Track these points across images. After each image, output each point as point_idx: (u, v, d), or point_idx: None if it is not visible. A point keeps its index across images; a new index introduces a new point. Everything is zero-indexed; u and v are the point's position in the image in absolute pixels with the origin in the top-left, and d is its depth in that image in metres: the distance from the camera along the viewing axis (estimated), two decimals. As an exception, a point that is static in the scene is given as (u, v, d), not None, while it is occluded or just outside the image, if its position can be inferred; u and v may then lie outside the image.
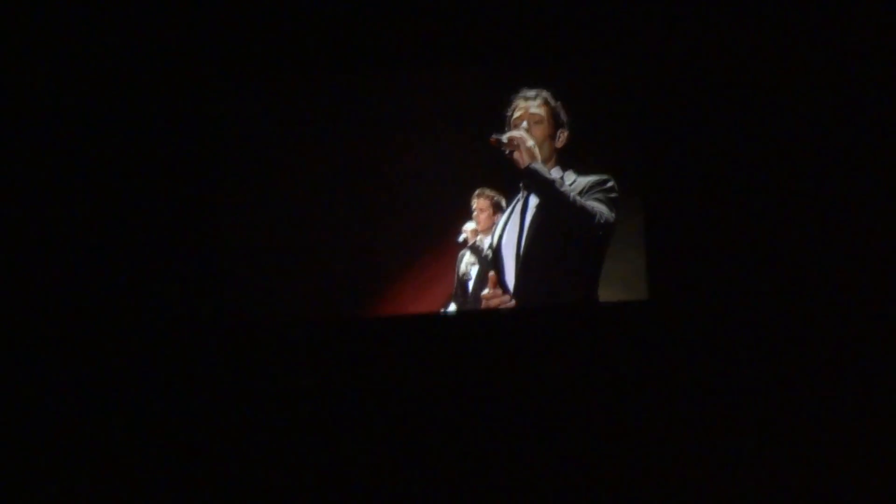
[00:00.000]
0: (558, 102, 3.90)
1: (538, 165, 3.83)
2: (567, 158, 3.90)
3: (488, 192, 4.02)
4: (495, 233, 3.97)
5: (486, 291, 3.94)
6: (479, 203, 4.04)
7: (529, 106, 3.91)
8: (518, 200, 3.94)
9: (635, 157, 3.92)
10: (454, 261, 4.07)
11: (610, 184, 3.81)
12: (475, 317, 4.00)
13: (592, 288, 3.86)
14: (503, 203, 4.02)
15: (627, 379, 3.87)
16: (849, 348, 3.73)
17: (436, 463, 3.93)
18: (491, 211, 4.03)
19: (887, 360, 3.70)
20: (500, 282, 3.92)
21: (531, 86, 3.94)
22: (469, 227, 4.05)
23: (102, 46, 4.00)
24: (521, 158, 3.84)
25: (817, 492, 3.64)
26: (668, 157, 3.88)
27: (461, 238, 4.05)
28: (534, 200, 3.89)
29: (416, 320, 4.04)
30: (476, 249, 4.04)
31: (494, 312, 3.92)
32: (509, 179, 3.96)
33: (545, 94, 3.91)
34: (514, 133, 3.86)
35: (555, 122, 3.90)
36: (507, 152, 3.87)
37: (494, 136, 3.88)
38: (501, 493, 3.84)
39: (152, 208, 4.03)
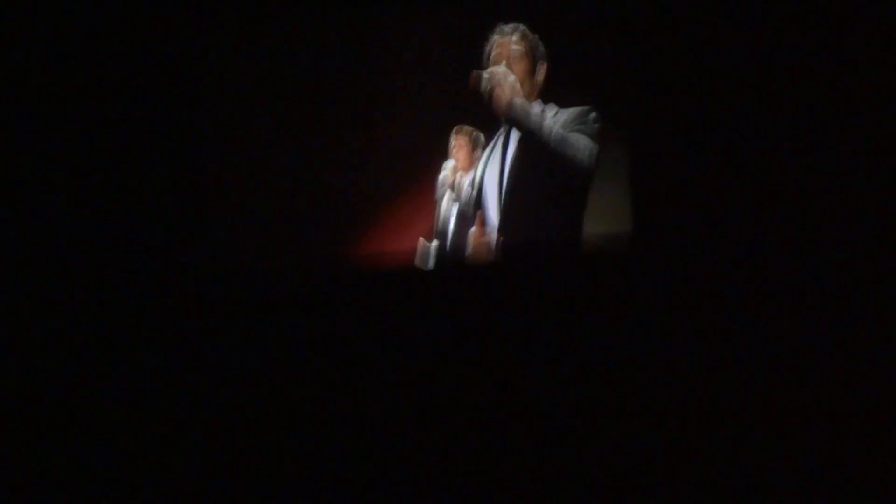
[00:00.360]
0: (535, 35, 3.89)
1: (520, 100, 3.82)
2: (548, 91, 3.90)
3: (466, 128, 4.01)
4: (477, 169, 3.97)
5: (472, 230, 3.94)
6: (457, 140, 4.02)
7: (507, 42, 3.89)
8: (499, 136, 3.94)
9: (617, 86, 3.91)
10: (432, 198, 4.06)
11: (593, 115, 3.82)
12: (459, 265, 4.00)
13: (578, 221, 3.88)
14: (482, 139, 4.01)
15: (614, 318, 3.90)
16: (830, 290, 3.77)
17: (423, 417, 3.98)
18: (470, 147, 4.02)
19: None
20: (485, 217, 3.92)
21: (507, 20, 3.92)
22: (449, 164, 4.04)
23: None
24: (503, 94, 3.83)
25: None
26: (651, 87, 3.87)
27: (441, 175, 4.04)
28: (515, 135, 3.88)
29: (397, 272, 4.05)
30: (456, 187, 4.03)
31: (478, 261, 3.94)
32: (488, 115, 3.95)
33: (522, 27, 3.90)
34: (496, 68, 3.85)
35: (534, 56, 3.88)
36: (488, 88, 3.85)
37: (475, 73, 3.86)
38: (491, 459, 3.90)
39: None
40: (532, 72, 3.88)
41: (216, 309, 4.05)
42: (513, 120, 3.84)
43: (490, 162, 3.94)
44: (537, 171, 3.84)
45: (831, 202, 3.76)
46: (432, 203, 4.07)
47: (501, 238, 3.90)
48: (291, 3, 4.03)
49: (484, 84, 3.84)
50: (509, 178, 3.88)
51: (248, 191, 4.09)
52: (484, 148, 3.99)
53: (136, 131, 4.04)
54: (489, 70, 3.85)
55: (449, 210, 4.05)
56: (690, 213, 3.84)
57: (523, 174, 3.86)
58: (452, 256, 4.02)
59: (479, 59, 3.91)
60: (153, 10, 4.02)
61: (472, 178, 3.98)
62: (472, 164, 4.01)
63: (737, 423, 3.76)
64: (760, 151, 3.81)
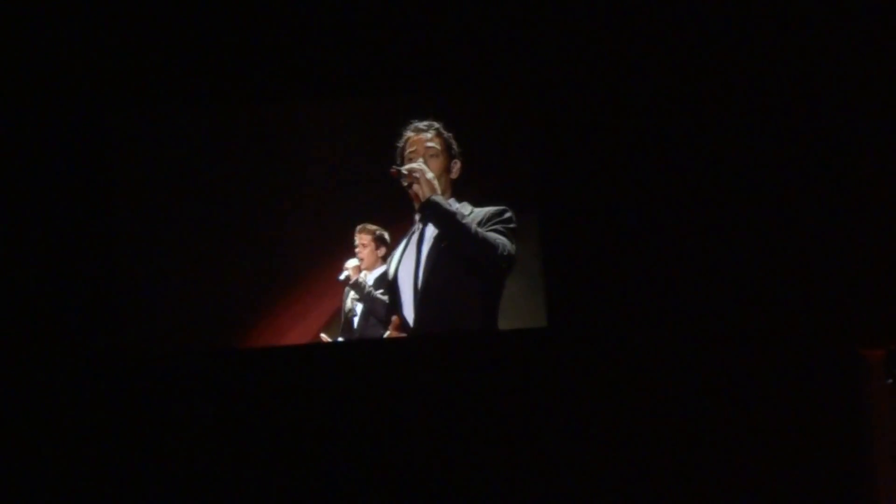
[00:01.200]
0: (450, 133, 3.92)
1: (438, 198, 3.83)
2: (461, 189, 3.92)
3: (370, 226, 3.99)
4: (391, 266, 3.92)
5: (387, 334, 3.87)
6: (361, 238, 3.99)
7: (422, 139, 3.90)
8: (413, 233, 3.92)
9: (528, 184, 4.01)
10: (331, 292, 3.97)
11: (508, 214, 3.88)
12: (374, 345, 3.94)
13: (492, 318, 3.90)
14: (386, 237, 3.98)
15: (528, 404, 3.95)
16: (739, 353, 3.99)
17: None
18: (374, 246, 3.99)
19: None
20: (399, 314, 3.86)
21: (420, 117, 3.93)
22: (351, 263, 3.99)
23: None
24: (422, 191, 3.82)
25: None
26: (561, 183, 4.00)
27: (343, 276, 3.98)
28: (430, 232, 3.87)
29: (316, 349, 4.01)
30: (358, 286, 3.95)
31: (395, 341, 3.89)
32: (394, 213, 3.94)
33: (437, 125, 3.92)
34: (414, 165, 3.84)
35: (448, 154, 3.91)
36: (405, 184, 3.83)
37: (395, 168, 3.83)
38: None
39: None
40: (447, 169, 3.90)
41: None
42: (432, 217, 3.82)
43: (403, 260, 3.91)
44: (454, 268, 3.84)
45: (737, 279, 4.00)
46: (332, 298, 3.97)
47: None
48: (205, 91, 3.95)
49: (402, 179, 3.80)
50: (424, 274, 3.86)
51: (149, 278, 3.95)
52: (389, 247, 3.94)
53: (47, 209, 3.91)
54: (408, 166, 3.83)
55: (353, 309, 3.98)
56: (604, 306, 3.96)
57: (439, 271, 3.85)
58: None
59: (390, 155, 3.89)
60: (73, 95, 3.90)
61: (383, 277, 3.91)
62: (375, 262, 3.97)
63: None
64: (669, 244, 3.99)
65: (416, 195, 3.83)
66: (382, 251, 3.97)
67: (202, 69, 3.95)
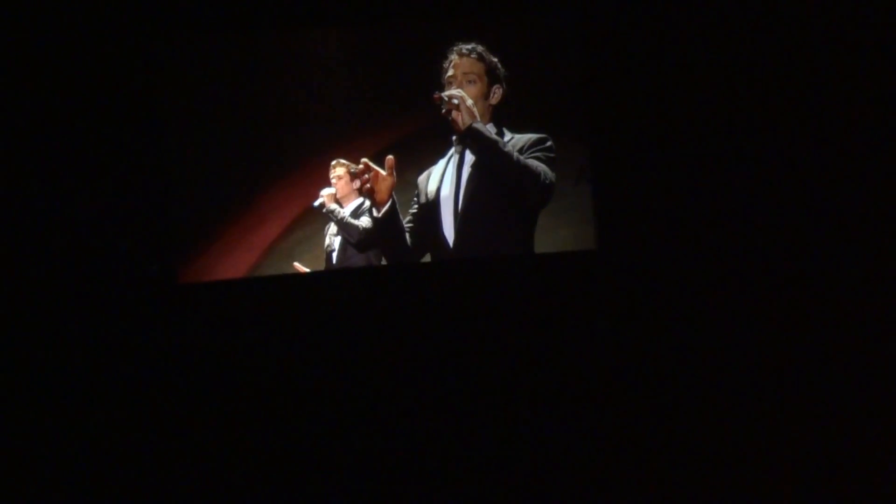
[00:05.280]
0: (495, 58, 3.86)
1: (479, 125, 3.82)
2: (500, 114, 3.90)
3: (344, 161, 4.07)
4: (429, 186, 3.96)
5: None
6: (336, 171, 4.08)
7: (463, 63, 3.85)
8: (452, 156, 3.94)
9: (573, 114, 3.98)
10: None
11: (549, 143, 3.87)
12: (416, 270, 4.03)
13: (529, 240, 3.95)
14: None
15: (574, 334, 4.02)
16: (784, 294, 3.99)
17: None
18: (348, 178, 4.07)
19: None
20: (439, 234, 3.90)
21: (466, 40, 3.88)
22: (327, 191, 4.09)
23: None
24: (461, 117, 3.80)
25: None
26: (605, 115, 3.97)
27: (317, 202, 4.09)
28: (469, 157, 3.89)
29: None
30: (333, 213, 4.08)
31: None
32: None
33: (480, 48, 3.87)
34: (455, 92, 3.83)
35: (490, 79, 3.87)
36: (443, 111, 3.81)
37: (437, 94, 3.81)
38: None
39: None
40: (486, 94, 3.87)
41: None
42: (472, 144, 3.83)
43: (444, 182, 3.92)
44: (494, 193, 3.86)
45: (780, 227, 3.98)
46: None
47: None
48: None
49: (443, 105, 3.79)
50: (464, 198, 3.89)
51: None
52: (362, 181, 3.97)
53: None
54: (448, 92, 3.80)
55: (331, 244, 4.13)
56: (652, 236, 4.00)
57: (479, 196, 3.88)
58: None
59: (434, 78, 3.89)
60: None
61: (358, 208, 4.06)
62: (349, 193, 4.08)
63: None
64: (717, 177, 3.97)
65: (455, 121, 3.81)
66: (356, 184, 4.00)
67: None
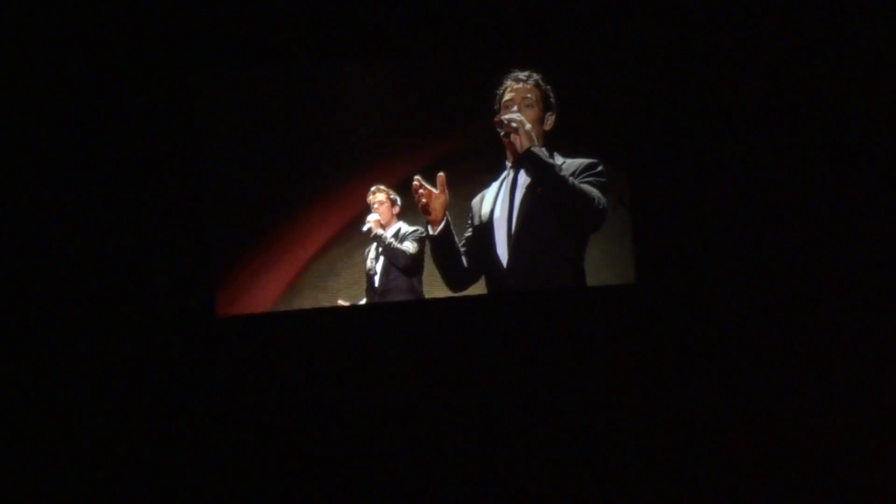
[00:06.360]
0: (548, 86, 4.02)
1: (538, 149, 3.94)
2: (551, 141, 4.04)
3: (383, 187, 4.19)
4: (483, 207, 4.06)
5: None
6: (377, 197, 4.19)
7: (522, 88, 3.99)
8: (505, 178, 4.06)
9: (621, 140, 4.14)
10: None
11: (600, 168, 4.01)
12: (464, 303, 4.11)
13: (580, 266, 4.06)
14: (399, 200, 4.19)
15: (615, 363, 4.12)
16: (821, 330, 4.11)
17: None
18: (389, 204, 4.20)
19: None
20: (493, 255, 3.99)
21: (522, 68, 4.02)
22: (372, 217, 4.19)
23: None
24: (520, 141, 3.93)
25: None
26: (653, 142, 4.12)
27: (365, 227, 4.18)
28: (523, 179, 4.01)
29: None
30: (379, 238, 4.17)
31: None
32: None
33: (536, 76, 4.02)
34: (514, 115, 3.95)
35: (544, 105, 4.01)
36: (502, 133, 3.93)
37: (498, 117, 3.94)
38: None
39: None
40: (541, 120, 4.00)
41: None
42: (530, 168, 3.94)
43: (497, 204, 4.03)
44: (547, 216, 3.97)
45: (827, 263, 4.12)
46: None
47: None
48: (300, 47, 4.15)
49: (502, 129, 3.91)
50: (517, 220, 4.00)
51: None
52: (401, 206, 4.17)
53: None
54: (508, 115, 3.93)
55: (372, 268, 4.19)
56: (692, 267, 4.13)
57: (532, 219, 4.00)
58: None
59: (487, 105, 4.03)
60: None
61: (397, 232, 4.16)
62: (391, 219, 4.19)
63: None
64: (758, 211, 4.13)
65: (512, 144, 3.94)
66: (396, 209, 4.18)
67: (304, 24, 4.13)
